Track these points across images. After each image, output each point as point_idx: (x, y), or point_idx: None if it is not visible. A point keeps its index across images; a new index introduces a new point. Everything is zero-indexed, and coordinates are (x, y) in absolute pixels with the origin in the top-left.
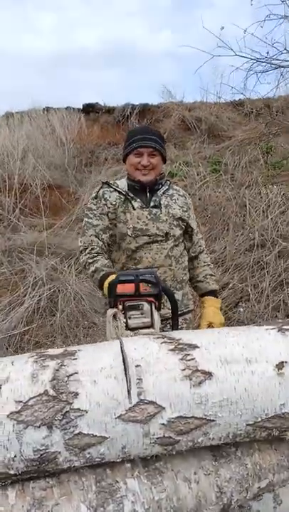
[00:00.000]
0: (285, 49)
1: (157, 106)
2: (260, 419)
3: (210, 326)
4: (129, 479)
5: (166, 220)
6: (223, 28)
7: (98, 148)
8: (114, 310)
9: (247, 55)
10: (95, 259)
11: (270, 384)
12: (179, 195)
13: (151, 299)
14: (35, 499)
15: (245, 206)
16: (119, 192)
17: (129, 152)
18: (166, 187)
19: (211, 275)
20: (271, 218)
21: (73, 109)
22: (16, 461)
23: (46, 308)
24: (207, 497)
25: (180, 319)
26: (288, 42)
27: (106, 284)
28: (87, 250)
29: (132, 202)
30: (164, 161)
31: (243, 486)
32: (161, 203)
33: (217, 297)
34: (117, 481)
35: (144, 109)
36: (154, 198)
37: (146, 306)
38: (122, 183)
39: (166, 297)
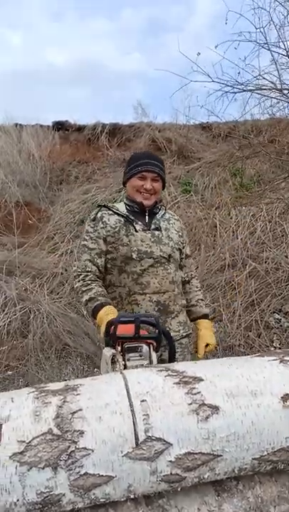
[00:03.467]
0: (259, 74)
1: (128, 125)
2: (266, 453)
3: (207, 346)
4: None
5: (168, 243)
6: (199, 54)
7: (68, 166)
8: (113, 351)
9: (222, 80)
10: (88, 287)
11: (276, 417)
12: (175, 219)
13: (151, 340)
14: None
15: (216, 227)
16: (119, 214)
17: (133, 175)
18: (163, 211)
19: (202, 300)
20: (241, 239)
21: (43, 126)
22: (17, 505)
23: (17, 329)
24: None
25: (176, 343)
26: (262, 67)
27: (101, 314)
28: (81, 277)
29: (134, 224)
30: (164, 186)
31: None
32: (161, 226)
33: (209, 320)
34: None
35: (115, 128)
36: (154, 221)
37: (144, 348)
38: (121, 207)
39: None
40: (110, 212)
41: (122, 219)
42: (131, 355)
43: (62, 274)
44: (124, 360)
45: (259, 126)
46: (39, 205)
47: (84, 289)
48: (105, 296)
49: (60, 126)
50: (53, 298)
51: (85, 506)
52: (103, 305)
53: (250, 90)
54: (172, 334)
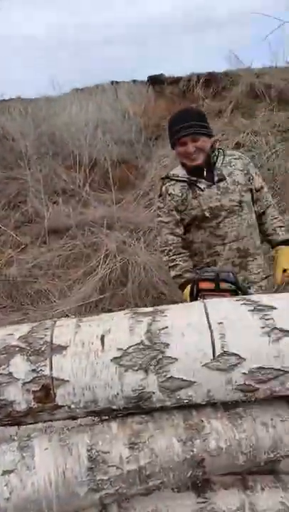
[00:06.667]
0: None
1: (224, 73)
2: None
3: (285, 271)
4: (213, 420)
5: (235, 189)
6: None
7: (164, 121)
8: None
9: None
10: (174, 262)
11: None
12: (235, 159)
13: (228, 294)
14: (133, 431)
15: None
16: (181, 181)
17: (174, 144)
18: (222, 156)
19: (281, 226)
20: None
21: (138, 81)
22: (117, 398)
23: (118, 278)
24: (283, 440)
25: (256, 286)
26: None
27: (186, 292)
28: (166, 251)
29: (198, 185)
30: (211, 136)
31: None
32: (224, 173)
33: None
34: (202, 421)
35: (210, 78)
36: (216, 172)
37: None
38: (181, 171)
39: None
40: (173, 182)
41: (185, 184)
42: None
43: (157, 228)
44: None
45: None
46: (135, 162)
47: (171, 264)
48: (190, 271)
49: (155, 80)
50: (149, 250)
51: (171, 405)
52: (188, 282)
53: None
54: (253, 277)
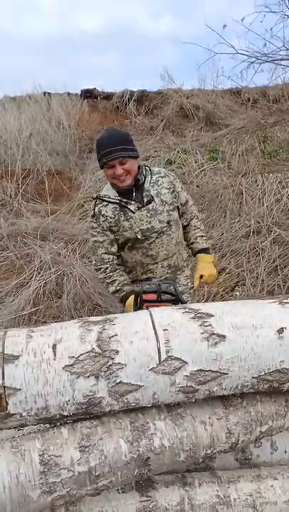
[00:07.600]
0: (284, 45)
1: (156, 92)
2: (263, 373)
3: (202, 277)
4: (157, 421)
5: (163, 209)
6: (225, 26)
7: (97, 134)
8: None
9: (246, 50)
10: (111, 279)
11: (272, 345)
12: (161, 177)
13: (169, 304)
14: (83, 434)
15: (242, 194)
16: (113, 202)
17: (102, 166)
18: (149, 176)
19: (202, 236)
20: (267, 206)
21: (72, 94)
22: (69, 405)
23: (52, 290)
24: (219, 437)
25: (186, 294)
26: (286, 38)
27: (128, 303)
28: (102, 269)
29: (129, 206)
30: (137, 157)
31: (247, 429)
32: (152, 194)
33: (209, 254)
34: (148, 422)
35: (143, 96)
36: (145, 193)
37: None
38: (111, 192)
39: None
40: (105, 203)
41: (116, 206)
42: None
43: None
44: None
45: None
46: (70, 173)
47: (108, 281)
48: (129, 284)
49: (88, 94)
50: (84, 262)
51: (119, 409)
52: (128, 295)
53: (273, 61)
54: (182, 288)
